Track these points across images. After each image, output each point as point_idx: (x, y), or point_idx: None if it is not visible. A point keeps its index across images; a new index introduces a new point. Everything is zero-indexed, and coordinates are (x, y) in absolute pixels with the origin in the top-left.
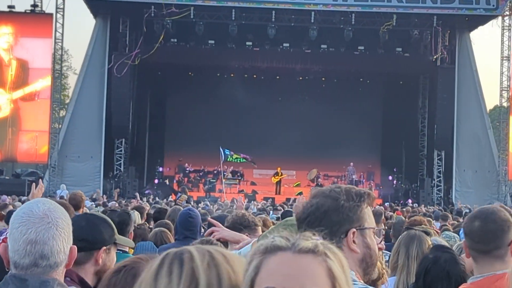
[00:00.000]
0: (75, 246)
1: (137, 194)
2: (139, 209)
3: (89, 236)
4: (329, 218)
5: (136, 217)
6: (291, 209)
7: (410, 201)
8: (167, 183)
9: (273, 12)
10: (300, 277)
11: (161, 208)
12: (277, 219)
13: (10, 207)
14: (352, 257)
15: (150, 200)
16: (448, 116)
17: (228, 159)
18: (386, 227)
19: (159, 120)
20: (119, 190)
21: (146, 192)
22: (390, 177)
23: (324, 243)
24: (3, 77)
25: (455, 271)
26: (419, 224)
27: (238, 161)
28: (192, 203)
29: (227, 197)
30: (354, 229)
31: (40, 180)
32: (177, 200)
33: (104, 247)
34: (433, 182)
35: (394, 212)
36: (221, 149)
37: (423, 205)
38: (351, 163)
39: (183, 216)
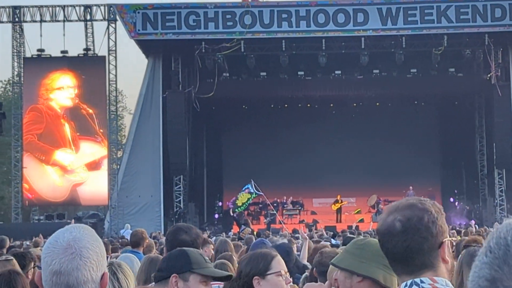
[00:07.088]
0: (107, 272)
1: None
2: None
3: (162, 266)
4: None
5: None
6: (352, 235)
7: (473, 222)
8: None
9: (323, 40)
10: None
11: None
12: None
13: None
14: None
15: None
16: (506, 134)
17: (238, 210)
18: None
19: (216, 155)
20: None
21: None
22: (452, 199)
23: None
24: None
25: None
26: (476, 242)
27: (249, 201)
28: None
29: (288, 228)
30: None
31: None
32: (241, 233)
33: (175, 275)
34: (496, 201)
35: (459, 235)
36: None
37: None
38: (410, 187)
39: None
